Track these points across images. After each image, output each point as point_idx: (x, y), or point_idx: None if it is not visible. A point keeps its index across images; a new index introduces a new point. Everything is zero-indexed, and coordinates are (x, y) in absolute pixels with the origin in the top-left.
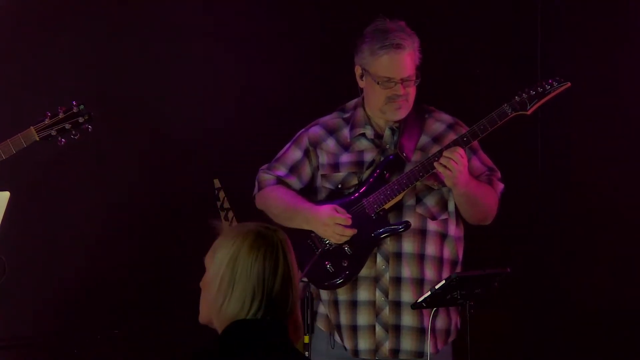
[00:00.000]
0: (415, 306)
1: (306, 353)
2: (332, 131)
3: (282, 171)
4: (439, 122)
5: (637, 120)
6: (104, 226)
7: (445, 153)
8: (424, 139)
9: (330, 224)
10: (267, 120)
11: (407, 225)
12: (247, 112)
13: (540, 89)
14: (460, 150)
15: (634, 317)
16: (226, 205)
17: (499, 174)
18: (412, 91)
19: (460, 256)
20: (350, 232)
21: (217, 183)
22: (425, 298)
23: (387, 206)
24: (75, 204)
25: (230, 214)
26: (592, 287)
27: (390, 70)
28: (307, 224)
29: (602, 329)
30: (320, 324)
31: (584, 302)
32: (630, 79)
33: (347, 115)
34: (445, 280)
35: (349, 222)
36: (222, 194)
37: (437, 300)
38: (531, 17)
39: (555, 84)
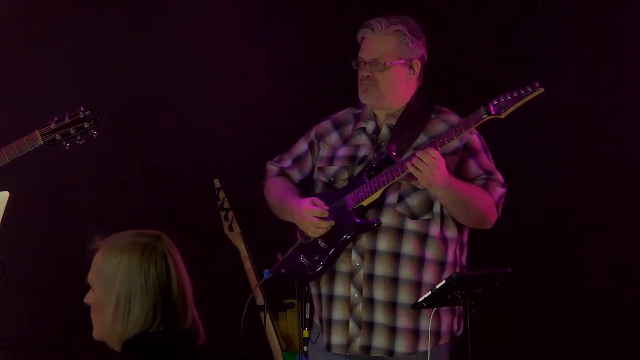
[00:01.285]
0: (416, 306)
1: (305, 348)
2: (338, 125)
3: (287, 162)
4: (443, 122)
5: (637, 120)
6: (104, 226)
7: (417, 154)
8: (421, 139)
9: (307, 216)
10: (267, 121)
11: (378, 223)
12: (248, 112)
13: (515, 94)
14: (433, 152)
15: (634, 317)
16: (226, 205)
17: (499, 178)
18: (382, 78)
19: (451, 257)
20: (326, 224)
21: (217, 183)
22: (425, 298)
23: (364, 203)
24: (76, 203)
25: (230, 214)
26: (592, 287)
27: (361, 50)
28: (292, 217)
29: (602, 329)
30: (315, 319)
31: (584, 302)
32: (630, 78)
33: (358, 112)
34: (446, 280)
35: (326, 214)
36: (222, 194)
37: (438, 300)
38: (531, 17)
39: (529, 89)
